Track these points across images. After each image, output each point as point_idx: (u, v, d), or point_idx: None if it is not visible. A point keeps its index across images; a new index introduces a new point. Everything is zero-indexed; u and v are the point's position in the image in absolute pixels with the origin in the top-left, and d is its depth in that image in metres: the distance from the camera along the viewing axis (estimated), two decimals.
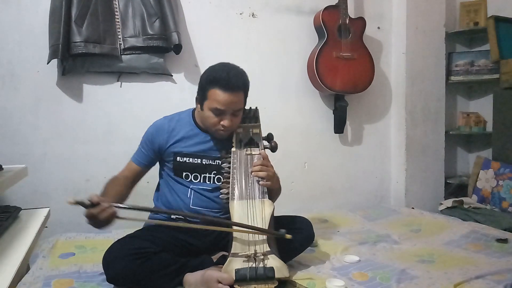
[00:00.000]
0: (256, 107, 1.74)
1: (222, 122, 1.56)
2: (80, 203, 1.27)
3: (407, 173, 2.81)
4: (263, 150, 1.63)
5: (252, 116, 1.70)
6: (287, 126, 2.61)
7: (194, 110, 1.73)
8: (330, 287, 1.41)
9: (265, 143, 1.69)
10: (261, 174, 1.55)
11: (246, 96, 1.62)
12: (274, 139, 1.69)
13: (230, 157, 1.61)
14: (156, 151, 1.67)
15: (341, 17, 2.53)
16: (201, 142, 1.66)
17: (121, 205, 1.35)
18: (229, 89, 1.52)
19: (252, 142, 1.66)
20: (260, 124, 1.70)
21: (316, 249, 1.84)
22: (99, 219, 1.29)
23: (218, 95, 1.52)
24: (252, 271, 1.34)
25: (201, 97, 1.59)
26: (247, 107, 1.70)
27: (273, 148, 1.67)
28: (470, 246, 1.90)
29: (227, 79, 1.52)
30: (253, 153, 1.62)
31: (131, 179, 1.65)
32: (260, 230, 1.44)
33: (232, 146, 1.64)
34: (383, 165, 2.90)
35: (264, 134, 1.71)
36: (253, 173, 1.56)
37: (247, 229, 1.43)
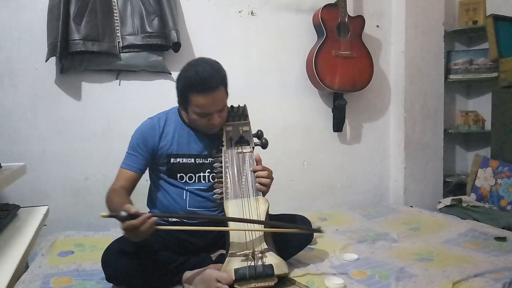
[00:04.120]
0: (245, 105, 1.70)
1: (210, 122, 1.53)
2: (115, 216, 1.23)
3: (406, 171, 2.81)
4: (257, 154, 1.59)
5: (241, 114, 1.66)
6: (286, 124, 2.61)
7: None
8: (329, 285, 1.41)
9: (256, 140, 1.65)
10: (263, 173, 1.53)
11: (226, 88, 1.57)
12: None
13: (221, 156, 1.58)
14: (150, 152, 1.60)
15: (340, 16, 2.53)
16: (192, 141, 1.63)
17: (160, 214, 1.33)
18: (208, 91, 1.47)
19: (242, 140, 1.63)
20: (249, 122, 1.66)
21: (315, 247, 1.84)
22: (140, 230, 1.24)
23: (199, 101, 1.48)
24: (251, 270, 1.33)
25: (183, 103, 1.55)
26: (235, 104, 1.67)
27: (264, 145, 1.63)
28: (469, 244, 1.90)
29: (203, 81, 1.45)
30: (244, 151, 1.59)
31: (129, 189, 1.57)
32: (294, 228, 1.48)
33: (223, 145, 1.61)
34: (382, 163, 2.90)
35: (253, 131, 1.66)
36: (256, 172, 1.54)
37: (286, 229, 1.48)
